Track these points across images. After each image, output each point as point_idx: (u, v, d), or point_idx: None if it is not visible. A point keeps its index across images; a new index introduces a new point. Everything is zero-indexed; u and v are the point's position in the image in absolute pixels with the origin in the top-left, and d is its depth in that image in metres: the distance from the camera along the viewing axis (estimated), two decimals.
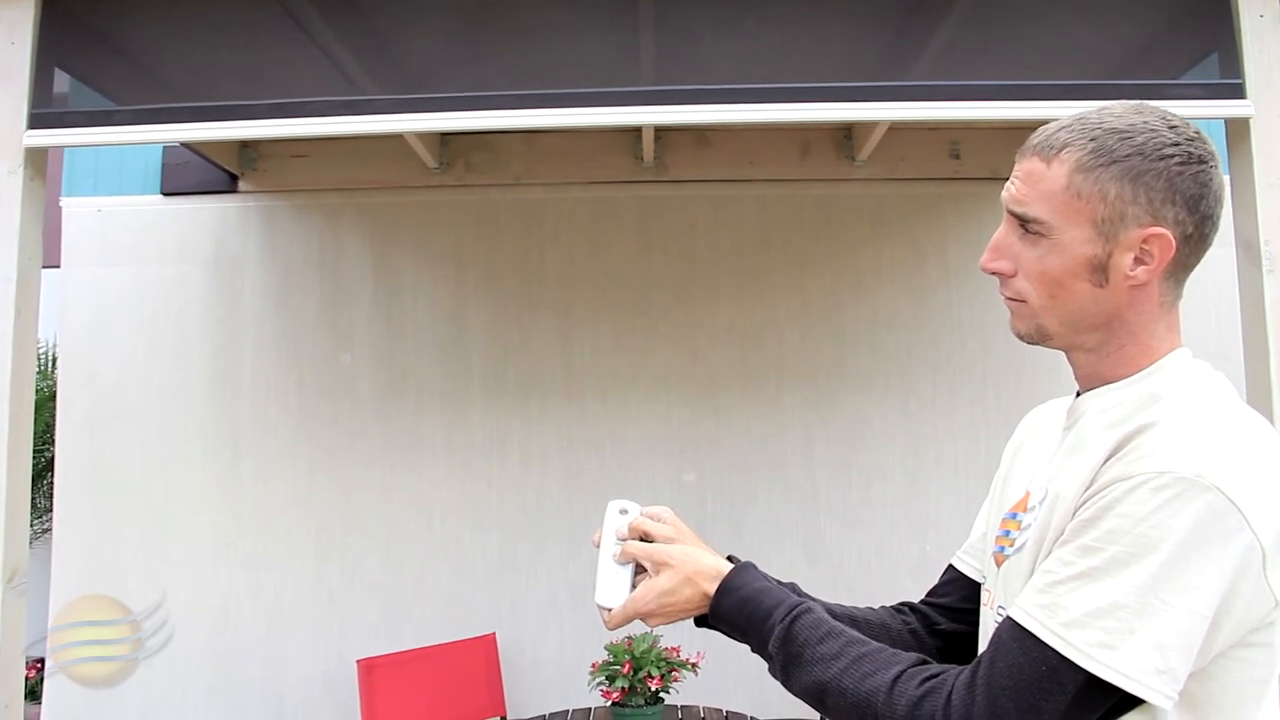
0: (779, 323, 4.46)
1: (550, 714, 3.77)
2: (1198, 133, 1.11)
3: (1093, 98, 2.75)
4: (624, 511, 1.35)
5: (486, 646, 4.20)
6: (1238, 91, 2.74)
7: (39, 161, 2.85)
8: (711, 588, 1.24)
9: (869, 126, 4.09)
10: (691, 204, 4.52)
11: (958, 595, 1.40)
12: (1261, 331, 2.63)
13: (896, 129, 4.11)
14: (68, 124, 2.88)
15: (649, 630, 3.34)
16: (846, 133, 4.45)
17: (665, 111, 2.88)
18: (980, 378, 4.40)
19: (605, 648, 3.37)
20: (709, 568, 1.25)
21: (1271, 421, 2.54)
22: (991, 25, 2.98)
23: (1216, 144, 1.13)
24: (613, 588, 1.30)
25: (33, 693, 5.12)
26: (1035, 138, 1.15)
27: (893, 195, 4.51)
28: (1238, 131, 2.74)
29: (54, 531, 4.34)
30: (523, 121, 2.89)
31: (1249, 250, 2.67)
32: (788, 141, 4.48)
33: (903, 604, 1.45)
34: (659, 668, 3.25)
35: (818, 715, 3.75)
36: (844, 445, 4.41)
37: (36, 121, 2.81)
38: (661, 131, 4.32)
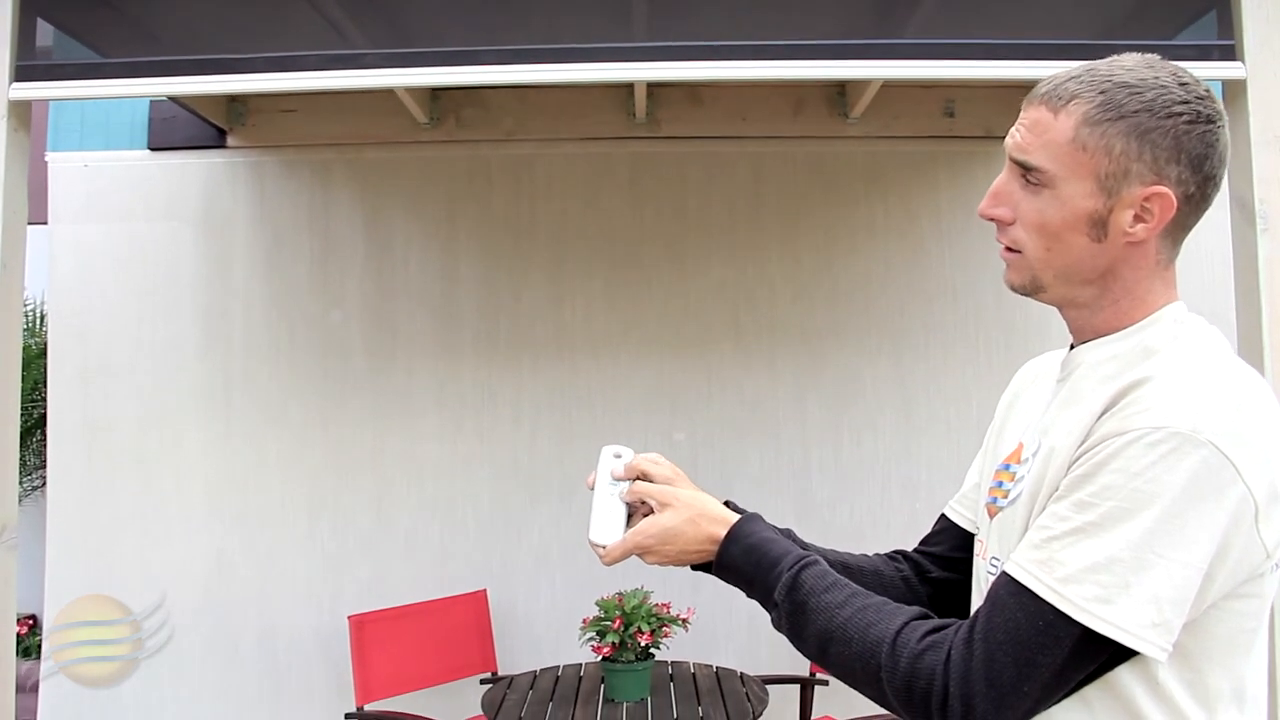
0: (771, 280, 4.44)
1: (541, 669, 3.80)
2: (1208, 91, 1.10)
3: (1086, 57, 2.74)
4: (618, 456, 1.39)
5: (478, 603, 4.23)
6: (1230, 53, 2.72)
7: (23, 114, 2.81)
8: (717, 531, 1.26)
9: (862, 84, 4.05)
10: (684, 160, 4.49)
11: (949, 544, 1.41)
12: (1254, 289, 2.63)
13: (890, 86, 4.08)
14: (54, 77, 2.83)
15: (639, 587, 3.36)
16: (840, 90, 4.41)
17: (658, 68, 2.86)
18: (973, 337, 4.40)
19: (596, 603, 3.39)
20: (715, 513, 1.28)
21: (1264, 378, 2.55)
22: None
23: None
24: (608, 525, 1.32)
25: (24, 650, 5.16)
26: (1044, 85, 1.13)
27: (886, 153, 4.48)
28: (1233, 88, 2.72)
29: (48, 487, 4.34)
30: (515, 77, 2.84)
31: (1243, 208, 2.66)
32: (780, 98, 4.45)
33: (896, 552, 1.46)
34: (649, 623, 3.27)
35: (805, 672, 3.77)
36: (836, 404, 4.42)
37: (22, 74, 2.76)
38: (654, 88, 4.27)
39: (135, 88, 2.97)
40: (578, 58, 2.80)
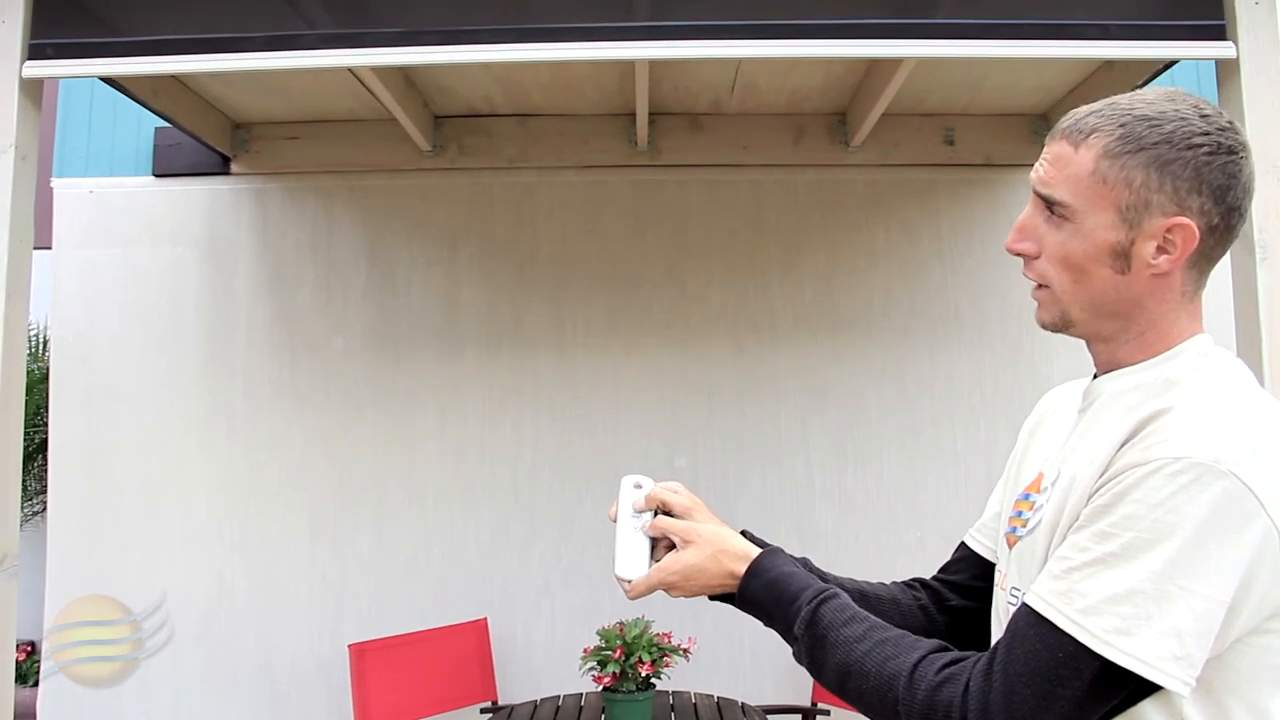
0: (773, 305, 4.45)
1: (541, 699, 3.78)
2: (1230, 122, 1.10)
3: (1076, 37, 2.72)
4: (638, 486, 1.37)
5: (478, 631, 4.21)
6: (1220, 32, 2.74)
7: (34, 92, 2.82)
8: (738, 567, 1.26)
9: (863, 111, 4.07)
10: (685, 188, 4.51)
11: (969, 573, 1.41)
12: (1254, 319, 2.63)
13: (890, 115, 4.09)
14: (65, 55, 2.83)
15: (640, 616, 3.35)
16: (840, 118, 4.44)
17: (660, 47, 2.76)
18: (977, 362, 4.38)
19: (597, 632, 3.37)
20: (736, 548, 1.28)
21: None
22: None
23: None
24: (633, 560, 1.31)
25: (23, 677, 5.13)
26: (1065, 121, 1.14)
27: (887, 181, 4.50)
28: (1232, 115, 2.73)
29: (49, 512, 4.34)
30: (506, 55, 2.76)
31: (1242, 238, 2.67)
32: (781, 127, 4.47)
33: (914, 580, 1.46)
34: (650, 653, 3.25)
35: (806, 702, 3.75)
36: (839, 429, 4.42)
37: (33, 53, 2.79)
38: (655, 115, 4.30)
39: (140, 65, 2.90)
40: (574, 37, 2.73)
